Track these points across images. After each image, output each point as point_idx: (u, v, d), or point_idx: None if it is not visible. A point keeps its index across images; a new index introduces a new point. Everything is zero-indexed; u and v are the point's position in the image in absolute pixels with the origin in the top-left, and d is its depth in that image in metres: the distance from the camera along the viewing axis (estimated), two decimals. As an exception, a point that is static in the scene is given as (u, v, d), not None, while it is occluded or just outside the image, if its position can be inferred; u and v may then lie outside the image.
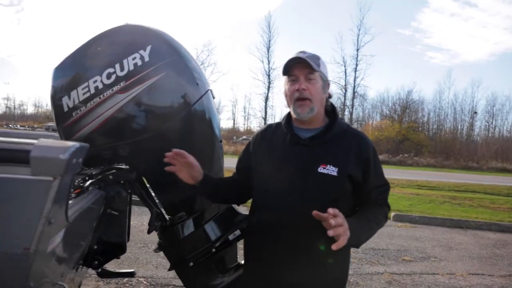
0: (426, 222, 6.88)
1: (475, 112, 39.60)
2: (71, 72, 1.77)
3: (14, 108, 58.26)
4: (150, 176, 1.96)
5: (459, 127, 40.07)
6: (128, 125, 1.78)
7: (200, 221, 2.06)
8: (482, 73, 65.63)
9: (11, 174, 0.75)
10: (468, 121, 39.92)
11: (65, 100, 1.74)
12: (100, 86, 1.73)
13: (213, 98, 2.02)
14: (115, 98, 1.74)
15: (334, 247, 1.17)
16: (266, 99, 35.29)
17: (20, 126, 46.02)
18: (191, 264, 2.01)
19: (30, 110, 61.92)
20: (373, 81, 72.10)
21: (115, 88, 1.73)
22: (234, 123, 48.19)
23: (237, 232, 2.13)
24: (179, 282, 3.46)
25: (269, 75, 34.49)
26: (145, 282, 3.42)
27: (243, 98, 64.88)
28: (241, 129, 46.84)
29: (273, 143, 1.51)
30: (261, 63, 38.44)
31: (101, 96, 1.73)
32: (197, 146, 1.94)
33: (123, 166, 1.90)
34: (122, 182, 1.84)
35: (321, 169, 1.37)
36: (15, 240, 0.76)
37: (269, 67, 34.61)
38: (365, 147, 1.44)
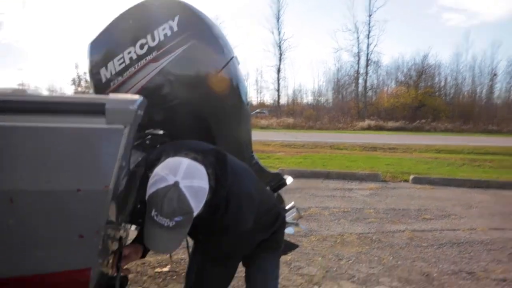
0: (446, 184, 6.94)
1: (495, 74, 38.33)
2: (106, 46, 1.89)
3: (31, 95, 59.21)
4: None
5: (478, 90, 38.97)
6: (161, 92, 1.89)
7: None
8: (502, 33, 62.72)
9: (90, 124, 0.89)
10: (488, 83, 38.74)
11: (102, 71, 1.87)
12: (134, 56, 1.84)
13: (238, 64, 2.12)
14: (148, 68, 1.85)
15: None
16: (278, 70, 34.94)
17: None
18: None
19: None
20: (387, 47, 69.78)
21: (148, 58, 1.85)
22: (247, 98, 47.85)
23: None
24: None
25: (280, 46, 34.00)
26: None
27: (255, 72, 64.11)
28: (254, 102, 46.73)
29: None
30: (271, 34, 37.88)
31: (136, 66, 1.85)
32: (225, 110, 2.06)
33: (159, 132, 2.04)
34: (157, 146, 1.99)
35: None
36: (97, 179, 0.91)
37: (279, 37, 34.03)
38: None
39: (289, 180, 2.40)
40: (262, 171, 2.32)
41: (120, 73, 1.86)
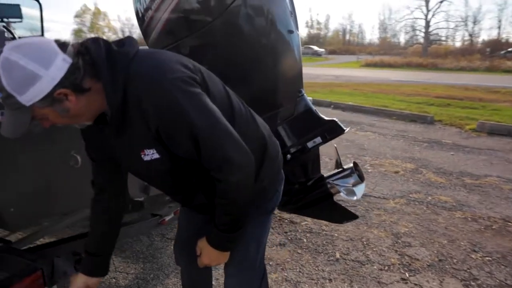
0: None
1: None
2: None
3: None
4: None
5: None
6: (182, 23, 1.77)
7: (273, 121, 1.91)
8: None
9: None
10: None
11: (138, 5, 1.90)
12: (156, -12, 1.77)
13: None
14: (168, -2, 1.75)
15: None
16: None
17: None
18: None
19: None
20: None
21: (167, -12, 1.73)
22: (499, 33, 38.55)
23: (318, 140, 1.88)
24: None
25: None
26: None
27: (515, 0, 49.63)
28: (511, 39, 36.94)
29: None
30: None
31: (159, -3, 1.77)
32: (253, 39, 1.76)
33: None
34: None
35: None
36: None
37: None
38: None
39: (347, 129, 1.89)
40: (312, 115, 1.90)
41: (149, 6, 1.83)
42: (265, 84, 1.85)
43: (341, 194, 1.85)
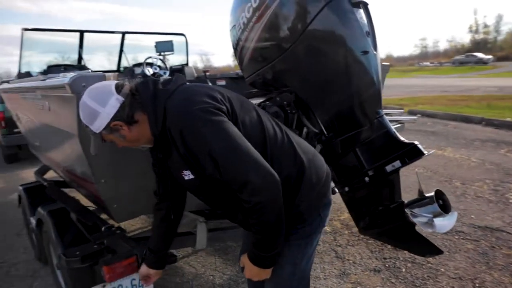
0: None
1: None
2: (233, 11, 2.15)
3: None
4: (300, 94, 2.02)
5: None
6: (265, 50, 1.96)
7: (351, 142, 1.90)
8: None
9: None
10: None
11: (232, 38, 2.18)
12: (245, 21, 2.00)
13: (342, 9, 1.74)
14: (254, 29, 1.96)
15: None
16: None
17: (430, 63, 49.19)
18: (346, 189, 1.96)
19: (443, 45, 63.35)
20: None
21: (253, 20, 1.95)
22: None
23: (397, 164, 1.80)
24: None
25: None
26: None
27: None
28: None
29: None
30: None
31: (247, 29, 2.01)
32: (328, 61, 1.82)
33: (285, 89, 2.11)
34: (285, 103, 2.09)
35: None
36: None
37: None
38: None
39: (428, 153, 1.72)
40: (390, 137, 1.82)
41: (240, 36, 2.09)
42: (341, 106, 1.87)
43: (417, 224, 1.70)
